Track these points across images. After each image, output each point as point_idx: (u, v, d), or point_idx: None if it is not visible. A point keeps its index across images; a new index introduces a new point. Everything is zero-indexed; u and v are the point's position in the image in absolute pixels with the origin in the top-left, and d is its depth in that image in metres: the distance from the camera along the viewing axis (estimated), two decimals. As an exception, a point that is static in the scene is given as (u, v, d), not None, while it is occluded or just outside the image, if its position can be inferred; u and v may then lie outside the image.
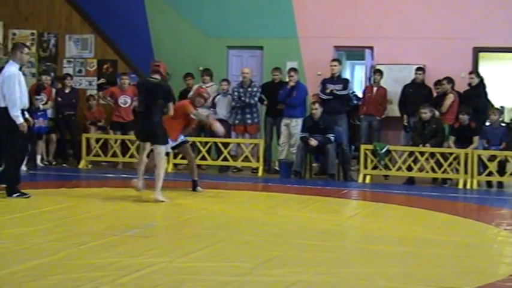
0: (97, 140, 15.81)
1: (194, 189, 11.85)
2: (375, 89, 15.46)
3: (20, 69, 10.90)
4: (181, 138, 11.85)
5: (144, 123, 10.98)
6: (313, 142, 14.18)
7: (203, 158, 15.23)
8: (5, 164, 10.91)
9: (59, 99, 15.93)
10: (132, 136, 15.62)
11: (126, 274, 6.25)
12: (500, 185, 14.03)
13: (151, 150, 11.18)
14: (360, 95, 16.14)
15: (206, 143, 15.30)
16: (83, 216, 9.41)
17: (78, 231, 8.30)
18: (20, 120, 10.51)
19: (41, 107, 15.44)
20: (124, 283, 6.01)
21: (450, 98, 14.60)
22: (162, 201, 10.57)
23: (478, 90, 14.75)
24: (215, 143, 15.30)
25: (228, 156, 15.09)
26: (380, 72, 15.45)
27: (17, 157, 10.83)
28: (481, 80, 14.87)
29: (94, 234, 8.03)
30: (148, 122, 10.82)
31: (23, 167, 14.51)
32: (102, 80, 17.58)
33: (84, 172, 15.16)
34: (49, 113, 15.80)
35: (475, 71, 15.25)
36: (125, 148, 15.65)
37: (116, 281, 6.05)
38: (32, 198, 10.58)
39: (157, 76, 11.04)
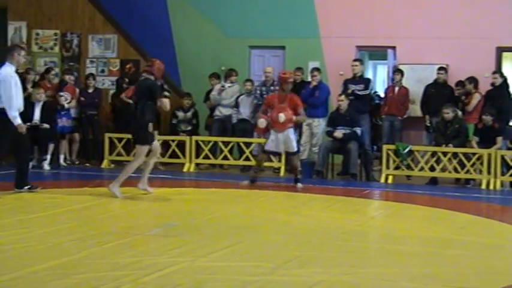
0: (120, 140, 15.85)
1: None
2: (396, 88, 15.40)
3: (16, 71, 10.97)
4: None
5: (132, 123, 11.19)
6: (339, 134, 14.11)
7: (225, 158, 15.26)
8: (17, 164, 11.17)
9: (82, 98, 16.00)
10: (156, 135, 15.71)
11: (148, 273, 6.27)
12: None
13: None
14: (382, 94, 16.08)
15: (228, 143, 15.32)
16: (105, 215, 9.46)
17: (100, 230, 8.34)
18: (17, 121, 10.63)
19: (66, 105, 15.51)
20: (146, 282, 6.03)
21: (477, 98, 14.53)
22: (116, 196, 10.75)
23: (502, 90, 14.66)
24: (237, 143, 15.32)
25: (250, 156, 15.09)
26: (400, 72, 15.39)
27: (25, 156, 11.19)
28: (505, 79, 14.78)
29: (116, 234, 8.07)
30: (135, 121, 11.01)
31: (46, 166, 14.69)
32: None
33: (107, 172, 15.19)
34: (72, 112, 15.88)
35: (498, 70, 15.16)
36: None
37: (138, 280, 6.07)
38: (55, 197, 10.65)
39: (149, 76, 11.09)
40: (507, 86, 14.80)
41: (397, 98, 15.33)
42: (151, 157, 11.41)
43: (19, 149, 11.07)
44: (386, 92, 15.74)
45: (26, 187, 11.10)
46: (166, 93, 11.36)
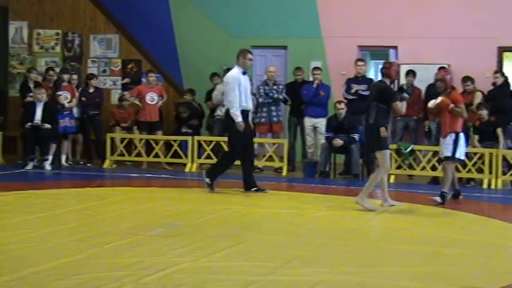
0: (121, 140, 15.87)
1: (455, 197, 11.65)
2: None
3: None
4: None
5: (365, 129, 11.12)
6: (338, 142, 14.18)
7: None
8: None
9: (83, 98, 16.00)
10: (156, 136, 15.73)
11: (149, 274, 6.27)
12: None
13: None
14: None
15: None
16: (107, 215, 9.46)
17: (102, 230, 8.34)
18: None
19: (66, 104, 15.50)
20: (148, 282, 6.04)
21: (479, 97, 14.51)
22: (368, 208, 10.33)
23: (503, 89, 14.66)
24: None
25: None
26: (413, 72, 15.28)
27: None
28: (506, 79, 14.79)
29: (118, 234, 8.07)
30: (367, 127, 10.74)
31: (48, 167, 14.68)
32: (126, 80, 17.67)
33: (109, 172, 15.22)
34: (75, 112, 15.87)
35: (499, 70, 15.16)
36: (149, 148, 15.71)
37: (140, 280, 6.08)
38: (57, 197, 10.65)
39: (385, 78, 10.68)
40: (508, 85, 14.80)
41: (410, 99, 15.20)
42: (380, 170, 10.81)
43: None
44: None
45: None
46: (405, 95, 10.98)
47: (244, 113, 11.75)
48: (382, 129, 10.41)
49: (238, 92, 11.59)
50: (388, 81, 10.62)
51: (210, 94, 16.15)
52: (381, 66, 11.82)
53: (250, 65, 12.34)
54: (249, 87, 12.13)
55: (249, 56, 11.90)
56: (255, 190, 11.84)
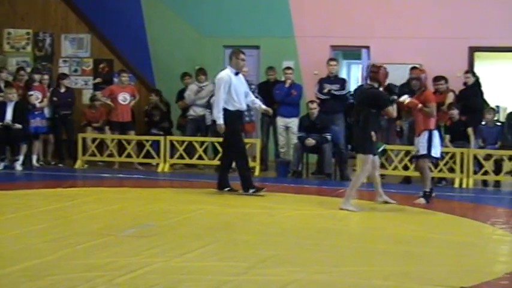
0: (93, 140, 15.79)
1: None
2: None
3: None
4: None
5: (355, 132, 10.99)
6: (311, 142, 14.21)
7: (200, 158, 15.24)
8: None
9: (55, 98, 15.90)
10: (128, 136, 15.67)
11: (122, 274, 6.24)
12: (497, 184, 14.04)
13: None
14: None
15: (203, 142, 15.31)
16: (79, 216, 9.40)
17: (74, 231, 8.29)
18: None
19: (37, 104, 15.39)
20: (120, 283, 6.01)
21: (451, 97, 14.60)
22: (353, 211, 10.28)
23: (474, 89, 14.77)
24: (212, 142, 15.30)
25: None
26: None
27: None
28: (477, 79, 14.90)
29: (90, 234, 8.02)
30: (358, 130, 10.68)
31: (18, 167, 14.56)
32: (98, 80, 17.59)
33: (80, 172, 15.15)
34: (46, 112, 15.77)
35: (470, 70, 15.27)
36: (121, 148, 15.65)
37: (112, 281, 6.04)
38: (27, 198, 10.57)
39: (373, 83, 10.68)
40: (479, 85, 14.92)
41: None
42: (374, 169, 10.93)
43: None
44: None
45: None
46: (395, 97, 10.97)
47: (238, 113, 11.68)
48: (373, 133, 10.46)
49: (224, 93, 11.47)
50: (376, 85, 10.62)
51: (181, 94, 16.11)
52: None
53: (243, 65, 12.20)
54: (244, 86, 11.92)
55: (242, 56, 11.74)
56: (228, 190, 11.82)
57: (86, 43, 17.72)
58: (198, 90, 15.68)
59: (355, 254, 7.64)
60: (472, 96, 14.64)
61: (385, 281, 6.36)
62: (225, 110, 11.55)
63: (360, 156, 10.75)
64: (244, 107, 11.96)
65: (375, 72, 10.65)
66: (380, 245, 7.99)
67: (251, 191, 11.55)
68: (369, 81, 10.85)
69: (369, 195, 10.96)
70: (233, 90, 11.53)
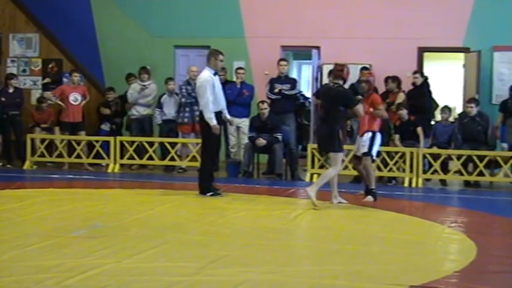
0: (42, 141, 15.61)
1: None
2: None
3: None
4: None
5: (322, 130, 11.15)
6: (262, 142, 14.23)
7: (150, 158, 15.16)
8: None
9: (3, 99, 15.69)
10: (78, 136, 15.52)
11: (72, 276, 6.18)
12: (443, 182, 14.19)
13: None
14: (307, 94, 16.20)
15: (152, 143, 15.23)
16: (27, 217, 9.29)
17: (23, 232, 8.19)
18: None
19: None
20: (70, 285, 5.95)
21: (401, 97, 14.74)
22: (312, 199, 10.49)
23: (422, 89, 14.93)
24: (161, 143, 15.23)
25: (176, 156, 15.03)
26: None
27: None
28: (425, 79, 15.06)
29: (39, 236, 7.93)
30: (326, 128, 10.86)
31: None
32: (47, 80, 17.41)
33: (29, 173, 14.98)
34: (-6, 113, 15.58)
35: (419, 70, 15.43)
36: (71, 149, 15.50)
37: (62, 282, 5.98)
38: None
39: (339, 81, 10.89)
40: (427, 85, 15.08)
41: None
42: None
43: None
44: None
45: None
46: (359, 97, 11.00)
47: (218, 113, 11.60)
48: (340, 131, 10.66)
49: (210, 95, 11.37)
50: (341, 83, 10.80)
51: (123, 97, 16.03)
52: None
53: (222, 66, 12.18)
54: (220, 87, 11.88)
55: (221, 57, 11.62)
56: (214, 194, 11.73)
57: (34, 43, 17.53)
58: (142, 88, 15.60)
59: (306, 254, 7.68)
60: (420, 96, 14.80)
61: (336, 280, 6.39)
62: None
63: (331, 155, 10.89)
64: (223, 106, 11.85)
65: (339, 71, 10.88)
66: (331, 245, 8.03)
67: (208, 194, 11.52)
68: (333, 79, 11.08)
69: (324, 196, 10.99)
70: (215, 91, 11.48)
